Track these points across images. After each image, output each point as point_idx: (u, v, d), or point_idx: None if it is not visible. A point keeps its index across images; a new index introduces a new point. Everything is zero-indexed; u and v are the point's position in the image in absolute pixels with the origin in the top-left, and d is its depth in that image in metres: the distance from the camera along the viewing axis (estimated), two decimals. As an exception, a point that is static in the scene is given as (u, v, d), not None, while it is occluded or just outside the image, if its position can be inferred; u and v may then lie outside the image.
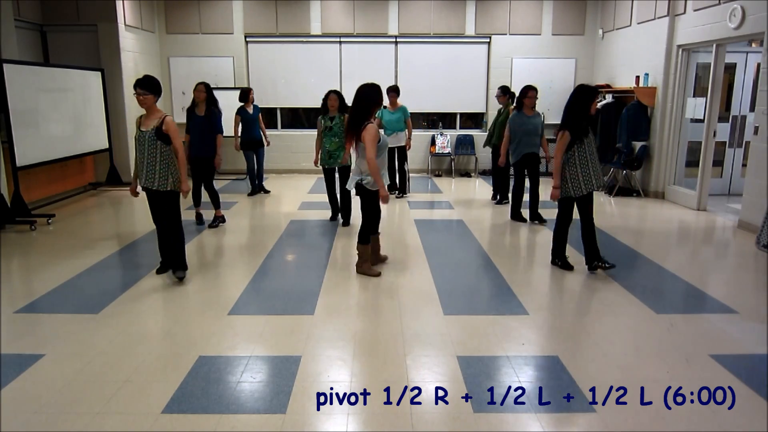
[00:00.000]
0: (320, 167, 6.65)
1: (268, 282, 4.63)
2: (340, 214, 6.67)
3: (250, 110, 8.12)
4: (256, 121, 8.23)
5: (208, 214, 6.54)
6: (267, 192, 8.59)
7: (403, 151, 8.10)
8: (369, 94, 4.45)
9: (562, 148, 4.61)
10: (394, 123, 7.92)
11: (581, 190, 4.61)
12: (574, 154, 4.59)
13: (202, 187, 6.42)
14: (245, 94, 8.07)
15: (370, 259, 4.82)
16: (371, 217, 4.74)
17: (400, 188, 8.28)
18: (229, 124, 7.68)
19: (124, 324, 3.75)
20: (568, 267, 4.89)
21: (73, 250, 5.50)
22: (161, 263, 4.80)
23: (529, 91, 6.44)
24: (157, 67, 10.04)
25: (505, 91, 7.60)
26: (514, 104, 6.83)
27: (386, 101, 7.15)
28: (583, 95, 4.58)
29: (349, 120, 4.52)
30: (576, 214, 4.76)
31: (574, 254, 5.14)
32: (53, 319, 3.83)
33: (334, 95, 6.32)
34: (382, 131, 4.95)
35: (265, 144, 8.46)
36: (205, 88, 6.18)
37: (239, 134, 8.06)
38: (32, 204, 7.04)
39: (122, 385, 2.94)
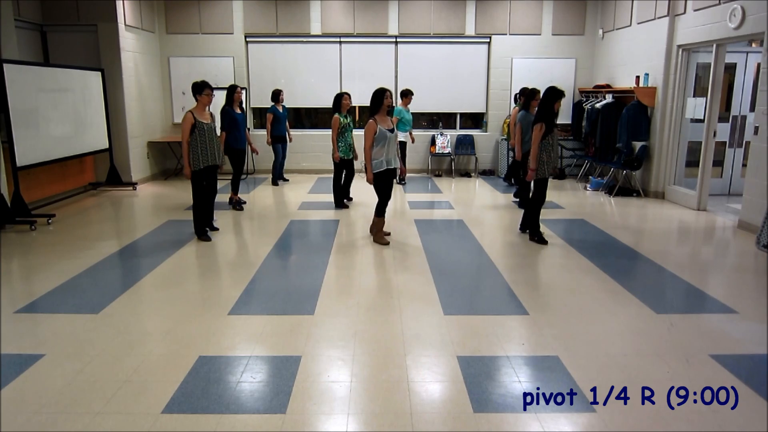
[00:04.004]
0: (337, 160, 7.43)
1: (268, 282, 4.63)
2: (344, 199, 7.62)
3: (281, 109, 9.07)
4: (286, 118, 9.16)
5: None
6: (286, 180, 9.67)
7: (404, 145, 9.13)
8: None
9: (538, 138, 5.44)
10: (411, 121, 9.25)
11: (545, 173, 5.56)
12: (545, 143, 5.48)
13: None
14: (276, 95, 8.97)
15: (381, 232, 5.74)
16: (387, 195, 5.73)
17: (400, 177, 9.41)
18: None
19: (124, 324, 3.75)
20: (543, 242, 5.67)
21: (73, 250, 5.51)
22: (207, 229, 5.94)
23: (537, 94, 7.15)
24: (157, 67, 10.04)
25: (524, 92, 8.12)
26: (521, 104, 7.56)
27: (400, 101, 8.99)
28: (552, 95, 5.46)
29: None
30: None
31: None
32: (53, 319, 3.83)
33: (348, 95, 7.29)
34: (382, 127, 5.52)
35: (288, 140, 9.34)
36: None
37: (271, 130, 8.99)
38: (32, 204, 7.04)
39: (122, 385, 2.94)
